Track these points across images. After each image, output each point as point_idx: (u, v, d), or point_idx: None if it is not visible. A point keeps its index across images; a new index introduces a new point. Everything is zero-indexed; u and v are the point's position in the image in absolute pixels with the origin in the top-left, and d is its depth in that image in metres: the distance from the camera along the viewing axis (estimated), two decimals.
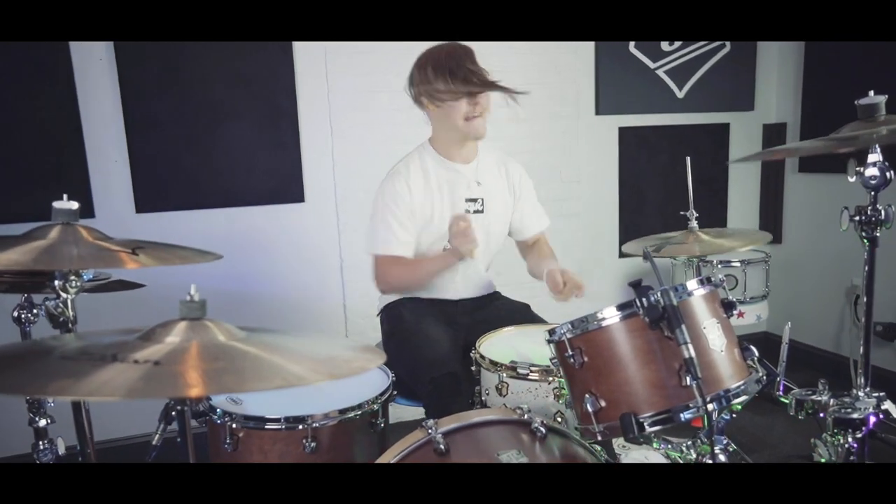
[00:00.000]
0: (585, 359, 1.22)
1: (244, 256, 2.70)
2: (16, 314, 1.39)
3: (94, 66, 2.47)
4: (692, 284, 1.21)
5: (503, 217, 2.04)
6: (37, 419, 1.43)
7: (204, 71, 2.57)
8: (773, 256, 2.95)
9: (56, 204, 1.12)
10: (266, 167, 2.70)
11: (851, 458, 1.22)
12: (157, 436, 1.42)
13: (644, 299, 1.12)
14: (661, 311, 1.10)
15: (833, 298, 3.27)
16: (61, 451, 1.44)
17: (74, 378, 0.74)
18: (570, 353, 1.23)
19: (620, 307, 1.19)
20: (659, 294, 1.11)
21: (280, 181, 2.73)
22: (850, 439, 1.19)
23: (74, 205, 1.12)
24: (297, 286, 2.80)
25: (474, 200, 1.96)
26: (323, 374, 0.85)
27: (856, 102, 1.20)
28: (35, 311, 1.41)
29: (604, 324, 1.21)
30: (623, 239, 3.30)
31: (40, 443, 1.43)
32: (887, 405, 1.22)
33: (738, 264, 2.81)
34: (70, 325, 1.13)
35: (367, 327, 2.84)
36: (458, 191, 1.94)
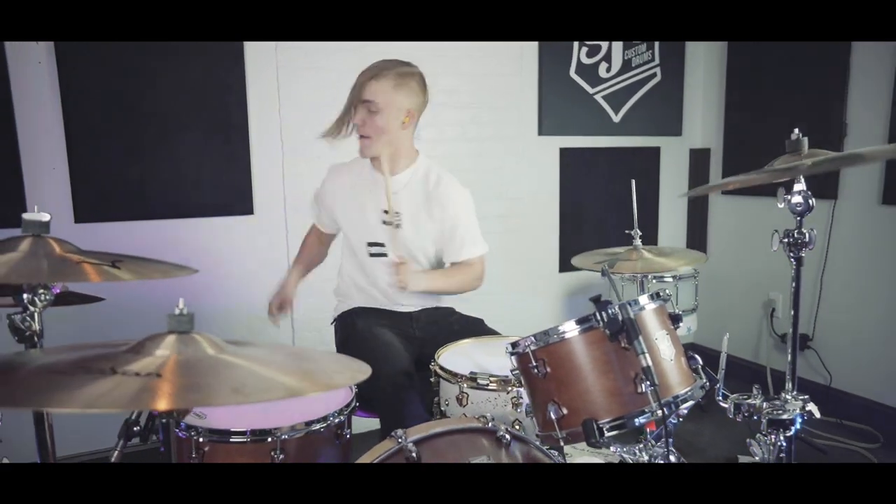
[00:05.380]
0: (548, 369, 1.30)
1: None
2: None
3: (33, 69, 2.37)
4: (644, 299, 1.32)
5: (420, 232, 1.98)
6: None
7: (150, 79, 2.52)
8: (700, 272, 3.17)
9: (26, 216, 1.09)
10: (215, 179, 2.67)
11: (781, 455, 1.35)
12: (117, 452, 1.39)
13: (604, 313, 1.22)
14: (620, 324, 1.19)
15: (752, 311, 3.53)
16: None
17: (73, 390, 0.74)
18: (534, 363, 1.31)
19: (580, 321, 1.28)
20: (618, 308, 1.21)
21: (229, 193, 2.70)
22: (780, 438, 1.32)
23: (45, 216, 1.09)
24: (245, 300, 2.77)
25: (390, 213, 1.88)
26: (319, 385, 0.88)
27: (787, 141, 1.35)
28: None
29: (565, 336, 1.29)
30: (563, 255, 3.44)
31: None
32: (810, 406, 1.37)
33: (670, 279, 3.00)
34: (36, 340, 1.11)
35: (316, 341, 2.83)
36: (377, 199, 1.93)
